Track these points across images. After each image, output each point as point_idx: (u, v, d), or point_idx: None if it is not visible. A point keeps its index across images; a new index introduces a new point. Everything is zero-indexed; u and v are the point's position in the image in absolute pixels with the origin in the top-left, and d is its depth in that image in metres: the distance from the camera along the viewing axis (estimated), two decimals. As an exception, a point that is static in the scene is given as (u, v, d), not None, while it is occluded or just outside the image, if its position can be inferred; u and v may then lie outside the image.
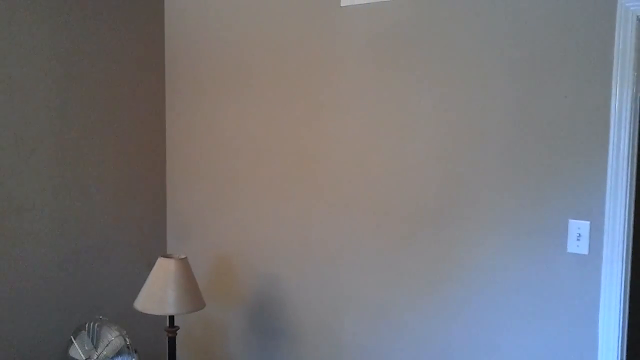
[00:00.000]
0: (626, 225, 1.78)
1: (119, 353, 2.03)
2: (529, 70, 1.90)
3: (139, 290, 2.35)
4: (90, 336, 2.07)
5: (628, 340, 1.85)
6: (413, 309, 2.16)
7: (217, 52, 2.71)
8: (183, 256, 2.35)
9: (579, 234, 1.82)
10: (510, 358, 1.96)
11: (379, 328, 2.26)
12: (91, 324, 2.09)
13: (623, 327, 1.81)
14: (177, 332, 2.39)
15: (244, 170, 2.66)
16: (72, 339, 2.09)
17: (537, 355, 1.91)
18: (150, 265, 2.38)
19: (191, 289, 2.31)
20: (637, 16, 1.72)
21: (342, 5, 2.29)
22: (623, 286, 1.79)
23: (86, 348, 2.06)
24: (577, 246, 1.83)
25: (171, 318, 2.36)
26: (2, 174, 2.32)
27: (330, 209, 2.38)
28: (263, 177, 2.60)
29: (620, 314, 1.79)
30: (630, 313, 1.83)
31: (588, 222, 1.82)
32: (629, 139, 1.75)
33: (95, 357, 2.03)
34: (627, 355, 1.87)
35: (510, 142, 1.94)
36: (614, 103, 1.77)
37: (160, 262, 2.32)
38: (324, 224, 2.40)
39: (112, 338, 2.04)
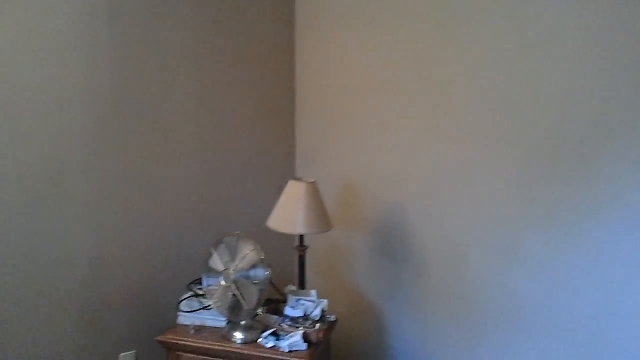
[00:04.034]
0: None
1: (254, 266, 2.17)
2: None
3: (270, 210, 2.48)
4: (229, 249, 2.23)
5: None
6: (547, 246, 2.07)
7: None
8: (312, 180, 2.43)
9: None
10: (652, 299, 1.84)
11: (508, 264, 2.20)
12: (229, 239, 2.24)
13: None
14: (306, 251, 2.51)
15: (370, 98, 2.65)
16: (213, 251, 2.26)
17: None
18: (280, 188, 2.49)
19: (320, 212, 2.40)
20: None
21: None
22: None
23: (225, 260, 2.22)
24: None
25: (301, 238, 2.47)
26: (151, 100, 2.51)
27: (460, 139, 2.31)
28: (389, 106, 2.57)
29: None
30: None
31: None
32: None
33: (232, 269, 2.19)
34: None
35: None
36: None
37: (291, 184, 2.41)
38: (452, 154, 2.34)
39: (248, 252, 2.18)
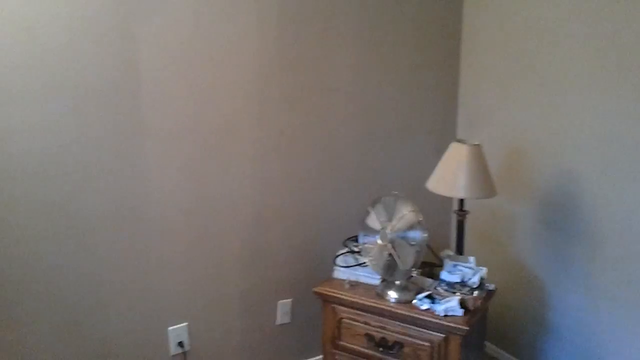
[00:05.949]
0: None
1: (411, 227, 2.14)
2: None
3: (427, 172, 2.41)
4: (386, 209, 2.22)
5: None
6: None
7: None
8: (477, 142, 2.31)
9: None
10: None
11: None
12: (387, 198, 2.23)
13: None
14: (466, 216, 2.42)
15: (544, 57, 2.44)
16: (370, 209, 2.27)
17: None
18: (439, 151, 2.42)
19: (483, 176, 2.28)
20: None
21: None
22: None
23: (382, 219, 2.21)
24: None
25: (461, 202, 2.38)
26: (315, 61, 2.54)
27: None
28: (566, 65, 2.34)
29: None
30: None
31: None
32: None
33: (389, 228, 2.17)
34: None
35: None
36: None
37: (454, 146, 2.32)
38: (634, 117, 2.08)
39: (406, 213, 2.15)
